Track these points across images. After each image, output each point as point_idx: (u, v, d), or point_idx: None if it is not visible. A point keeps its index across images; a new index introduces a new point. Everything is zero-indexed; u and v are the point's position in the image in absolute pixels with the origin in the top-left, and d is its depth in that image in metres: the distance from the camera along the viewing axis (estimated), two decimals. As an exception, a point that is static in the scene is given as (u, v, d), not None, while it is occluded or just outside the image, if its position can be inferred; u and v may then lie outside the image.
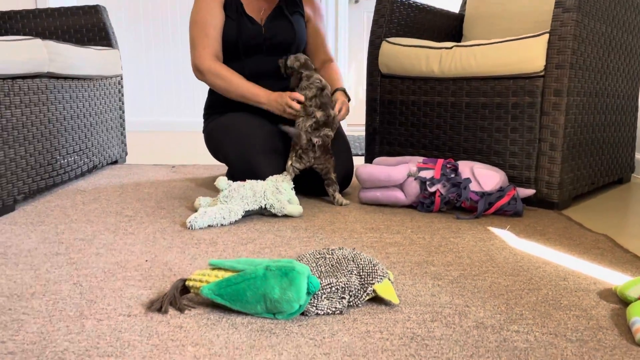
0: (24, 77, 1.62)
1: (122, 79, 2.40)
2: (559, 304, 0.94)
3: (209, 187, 1.94)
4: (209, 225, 1.41)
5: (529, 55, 1.62)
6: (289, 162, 1.63)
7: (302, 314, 0.88)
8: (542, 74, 1.61)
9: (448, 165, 1.59)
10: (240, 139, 1.71)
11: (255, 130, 1.72)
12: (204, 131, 1.92)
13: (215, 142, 1.83)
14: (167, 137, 3.70)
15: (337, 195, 1.67)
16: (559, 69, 1.57)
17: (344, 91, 1.81)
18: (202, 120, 2.19)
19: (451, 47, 1.81)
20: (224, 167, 2.35)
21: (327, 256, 0.97)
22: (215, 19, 1.76)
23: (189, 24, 1.78)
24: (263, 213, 1.54)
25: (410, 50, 1.92)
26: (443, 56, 1.82)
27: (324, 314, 0.89)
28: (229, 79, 1.74)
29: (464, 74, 1.78)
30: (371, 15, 2.10)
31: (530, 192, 1.59)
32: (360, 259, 0.95)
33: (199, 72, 1.77)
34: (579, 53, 1.60)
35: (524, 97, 1.66)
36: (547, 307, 0.93)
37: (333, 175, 1.65)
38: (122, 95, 2.42)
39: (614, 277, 1.08)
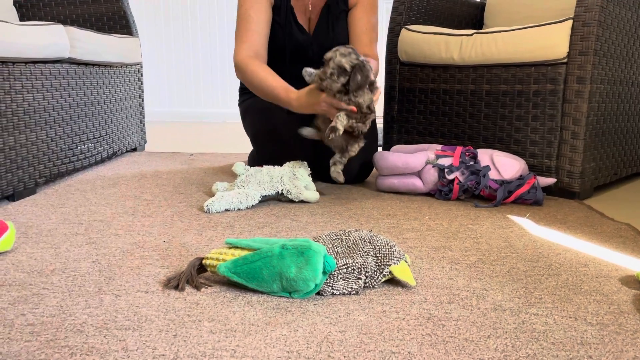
0: (45, 61, 1.64)
1: (141, 67, 2.42)
2: (579, 289, 0.93)
3: (227, 173, 1.95)
4: (225, 210, 1.42)
5: (551, 42, 1.58)
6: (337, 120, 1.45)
7: (318, 293, 0.88)
8: (565, 61, 1.58)
9: (467, 153, 1.57)
10: (271, 125, 1.74)
11: (286, 118, 1.70)
12: (240, 105, 1.95)
13: (248, 121, 1.89)
14: (187, 128, 3.72)
15: (333, 169, 1.55)
16: (583, 56, 1.54)
17: None
18: (238, 96, 2.21)
19: (471, 34, 1.79)
20: (242, 155, 2.36)
21: (344, 237, 0.97)
22: (260, 14, 1.68)
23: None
24: (280, 199, 1.54)
25: (430, 37, 1.90)
26: (463, 43, 1.80)
27: (339, 294, 0.88)
28: (255, 76, 1.61)
29: (485, 61, 1.75)
30: (390, 3, 2.07)
31: (550, 181, 1.57)
32: (377, 241, 0.95)
33: (234, 67, 1.69)
34: (603, 40, 1.56)
35: (545, 84, 1.63)
36: (567, 291, 0.91)
37: (353, 151, 1.54)
38: (142, 83, 2.44)
39: (637, 265, 1.05)
